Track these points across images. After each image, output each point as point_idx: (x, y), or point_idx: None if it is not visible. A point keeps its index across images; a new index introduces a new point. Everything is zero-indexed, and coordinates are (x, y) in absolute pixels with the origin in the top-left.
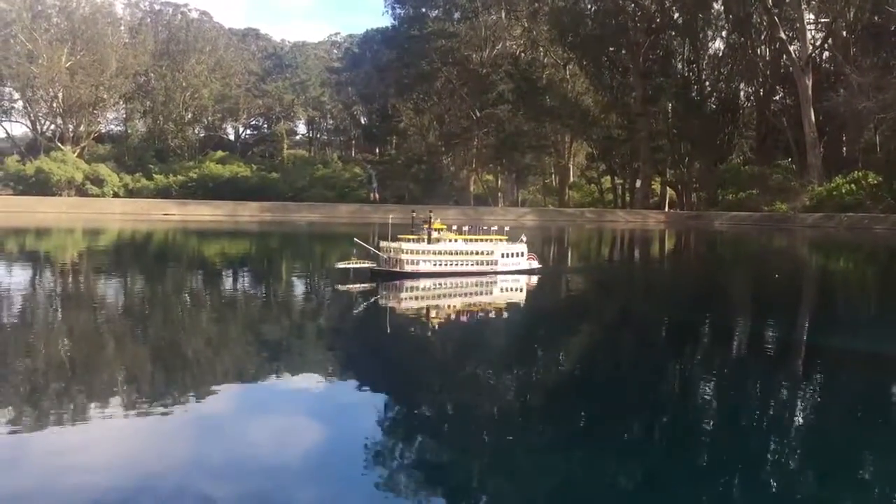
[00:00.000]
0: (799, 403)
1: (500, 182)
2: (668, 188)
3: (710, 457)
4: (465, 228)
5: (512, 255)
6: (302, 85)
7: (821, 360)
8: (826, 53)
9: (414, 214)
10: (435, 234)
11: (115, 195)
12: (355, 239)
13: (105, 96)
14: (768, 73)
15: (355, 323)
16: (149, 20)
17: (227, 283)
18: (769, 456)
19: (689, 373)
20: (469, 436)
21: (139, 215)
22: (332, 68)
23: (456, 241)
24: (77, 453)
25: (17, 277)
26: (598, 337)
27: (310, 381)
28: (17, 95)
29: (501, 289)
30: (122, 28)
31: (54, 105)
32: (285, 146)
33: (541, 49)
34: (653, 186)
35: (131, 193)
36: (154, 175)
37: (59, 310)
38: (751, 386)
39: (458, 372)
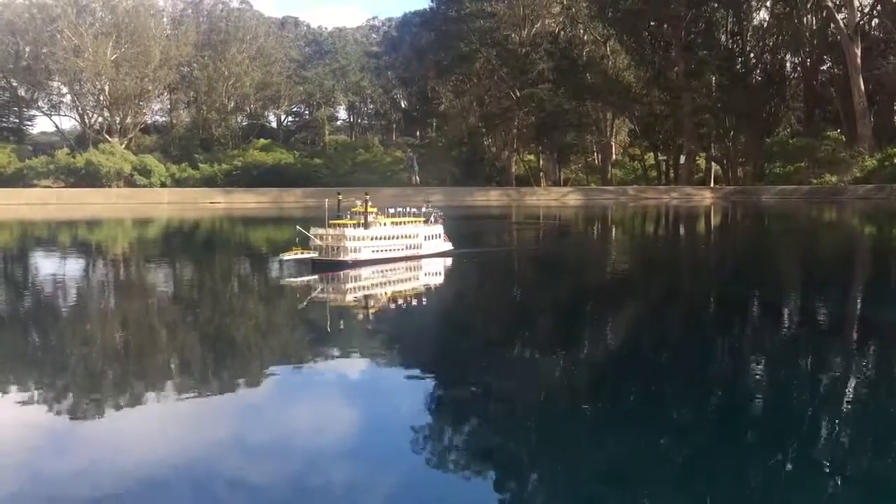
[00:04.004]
0: (852, 379)
1: (541, 162)
2: (713, 163)
3: (762, 434)
4: (390, 211)
5: (432, 237)
6: (342, 70)
7: (874, 334)
8: (875, 20)
9: (340, 197)
10: (370, 219)
11: (163, 185)
12: (297, 227)
13: (150, 88)
14: (815, 42)
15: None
16: (190, 11)
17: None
18: (822, 432)
19: (740, 348)
20: (512, 417)
21: (186, 204)
22: (371, 53)
23: (385, 224)
24: (122, 435)
25: (74, 267)
26: (648, 315)
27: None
28: (65, 90)
29: (426, 273)
30: (165, 19)
31: (101, 98)
32: (327, 132)
33: (580, 26)
34: (697, 162)
35: (178, 183)
36: (199, 164)
37: (109, 297)
38: (803, 361)
39: (498, 354)
